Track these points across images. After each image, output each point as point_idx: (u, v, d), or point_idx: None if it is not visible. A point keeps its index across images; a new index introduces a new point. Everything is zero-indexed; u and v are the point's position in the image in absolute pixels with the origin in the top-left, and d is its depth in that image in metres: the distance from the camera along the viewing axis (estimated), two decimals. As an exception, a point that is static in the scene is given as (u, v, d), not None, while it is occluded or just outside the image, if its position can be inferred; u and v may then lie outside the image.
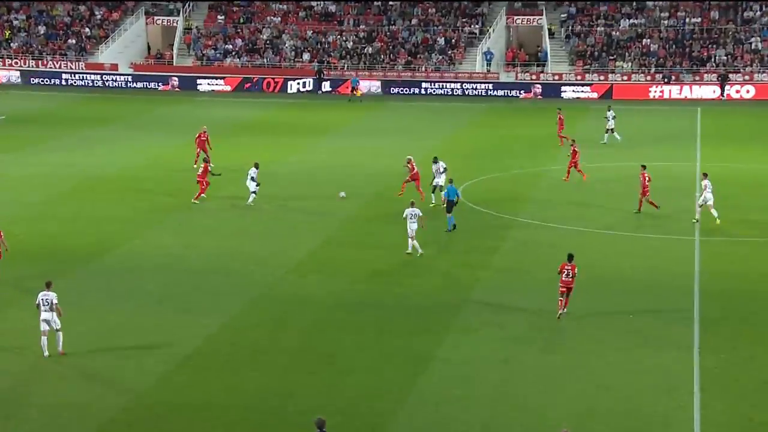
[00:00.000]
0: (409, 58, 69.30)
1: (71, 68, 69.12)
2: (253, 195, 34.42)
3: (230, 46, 71.75)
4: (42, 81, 68.57)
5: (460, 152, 45.52)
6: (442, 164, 34.36)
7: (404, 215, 28.60)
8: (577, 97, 63.82)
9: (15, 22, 73.40)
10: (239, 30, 73.33)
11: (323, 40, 71.76)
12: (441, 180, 33.77)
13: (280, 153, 44.73)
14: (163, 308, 24.22)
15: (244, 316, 23.90)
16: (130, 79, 68.62)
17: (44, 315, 21.27)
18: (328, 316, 23.94)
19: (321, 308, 24.53)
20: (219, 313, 24.00)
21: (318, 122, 54.76)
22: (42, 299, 21.35)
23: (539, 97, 64.35)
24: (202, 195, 34.74)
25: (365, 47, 70.31)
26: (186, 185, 37.93)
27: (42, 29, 72.88)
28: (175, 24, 73.38)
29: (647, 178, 32.77)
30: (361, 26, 72.53)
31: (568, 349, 22.19)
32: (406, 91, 66.40)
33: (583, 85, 64.87)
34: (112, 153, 43.94)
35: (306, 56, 70.43)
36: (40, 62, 69.44)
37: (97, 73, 68.68)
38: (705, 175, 32.32)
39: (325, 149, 46.96)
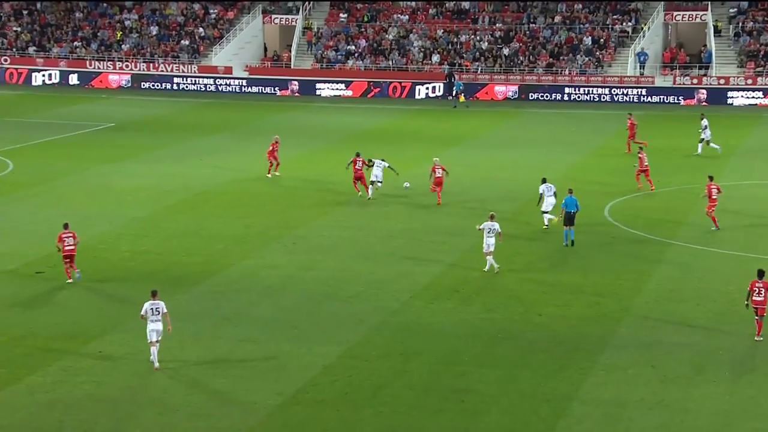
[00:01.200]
0: (551, 60, 68.48)
1: (183, 72, 71.34)
2: (379, 184, 38.05)
3: (353, 47, 72.61)
4: (153, 85, 71.04)
5: (608, 166, 44.60)
6: (551, 186, 33.77)
7: (480, 227, 28.81)
8: (749, 104, 61.61)
9: (127, 23, 76.41)
10: (363, 29, 74.14)
11: (455, 40, 71.74)
12: (549, 203, 33.41)
13: (405, 165, 44.76)
14: (275, 335, 24.45)
15: (364, 346, 23.86)
16: (244, 84, 70.31)
17: (153, 325, 22.04)
18: (458, 348, 23.66)
19: (451, 339, 24.27)
20: (336, 341, 24.05)
21: (448, 131, 54.71)
22: (150, 308, 22.12)
23: (704, 103, 62.42)
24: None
25: (502, 48, 69.90)
26: (302, 199, 38.46)
27: (154, 30, 75.58)
28: (293, 23, 74.82)
29: (716, 191, 33.01)
30: (497, 25, 72.18)
31: (735, 393, 21.20)
32: (546, 96, 65.61)
33: (754, 90, 62.57)
34: (224, 164, 45.00)
35: (435, 58, 70.55)
36: (151, 65, 71.99)
37: (210, 77, 70.67)
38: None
39: (456, 161, 46.73)
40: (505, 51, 69.46)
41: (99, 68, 72.10)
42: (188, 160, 46.01)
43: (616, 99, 64.38)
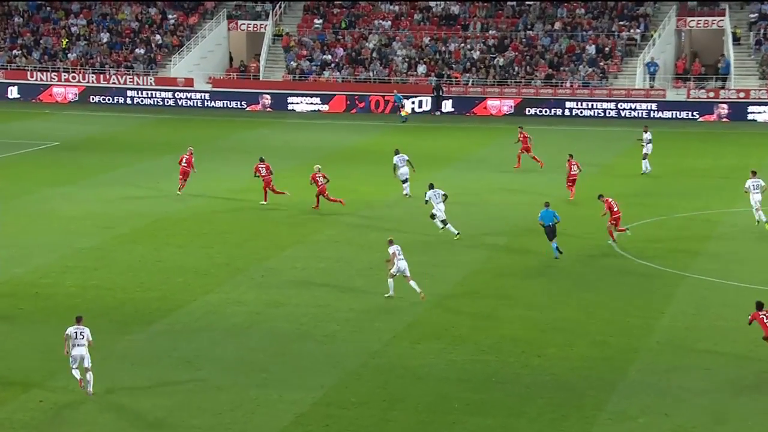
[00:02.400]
0: (551, 71, 68.99)
1: (138, 84, 71.43)
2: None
3: (329, 57, 72.90)
4: (103, 99, 71.12)
5: (615, 189, 44.80)
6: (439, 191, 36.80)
7: (391, 251, 29.86)
8: (771, 121, 62.31)
9: (74, 29, 76.40)
10: (340, 37, 74.49)
11: (443, 48, 72.20)
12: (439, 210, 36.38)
13: (388, 187, 44.90)
14: (241, 380, 24.38)
15: (341, 392, 23.83)
16: (207, 97, 70.48)
17: (78, 350, 23.11)
18: (448, 394, 23.66)
19: (439, 383, 24.27)
20: (311, 387, 24.01)
21: (436, 150, 54.93)
22: (75, 332, 23.17)
23: (725, 119, 62.96)
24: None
25: (495, 58, 70.38)
26: (272, 227, 38.49)
27: (105, 37, 75.61)
28: (262, 29, 75.11)
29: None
30: (490, 32, 72.72)
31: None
32: (545, 111, 66.08)
33: (779, 105, 63.25)
34: (187, 187, 44.94)
35: (421, 69, 70.95)
36: (101, 76, 72.05)
37: (168, 90, 70.80)
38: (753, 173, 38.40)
39: (445, 183, 46.91)
40: (500, 61, 69.92)
41: (42, 80, 72.08)
42: (143, 183, 45.97)
43: (623, 114, 64.94)
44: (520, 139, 48.97)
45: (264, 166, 42.11)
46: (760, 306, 25.39)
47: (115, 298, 30.09)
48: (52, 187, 44.57)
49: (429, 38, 72.94)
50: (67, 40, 75.24)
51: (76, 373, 23.23)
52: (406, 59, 71.72)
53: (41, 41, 75.43)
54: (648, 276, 32.68)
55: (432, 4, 75.51)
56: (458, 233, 36.39)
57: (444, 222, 36.58)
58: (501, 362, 25.55)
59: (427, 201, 36.76)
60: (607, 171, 49.14)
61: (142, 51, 74.15)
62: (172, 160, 49.99)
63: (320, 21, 75.61)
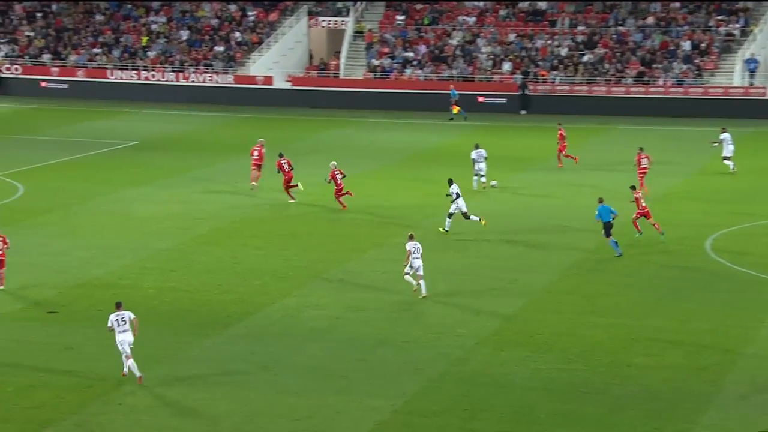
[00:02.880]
0: (643, 68, 68.11)
1: (217, 82, 72.19)
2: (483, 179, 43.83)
3: (411, 54, 72.92)
4: (180, 98, 71.89)
5: (710, 192, 44.09)
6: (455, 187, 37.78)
7: (408, 248, 30.70)
8: None
9: (154, 26, 77.53)
10: (423, 33, 74.47)
11: (529, 45, 71.75)
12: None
13: (472, 190, 44.77)
14: (320, 386, 24.45)
15: (422, 400, 23.76)
16: (287, 96, 70.91)
17: (123, 336, 24.32)
18: (532, 404, 23.46)
19: (523, 393, 24.08)
20: (391, 394, 23.98)
21: (520, 150, 54.57)
22: (116, 319, 24.45)
23: None
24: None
25: (584, 54, 69.70)
26: (353, 228, 38.60)
27: (185, 34, 76.57)
28: (343, 26, 75.42)
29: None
30: (579, 27, 72.08)
31: None
32: (637, 111, 65.20)
33: None
34: (262, 188, 45.33)
35: (506, 66, 70.59)
36: (180, 75, 72.98)
37: (247, 89, 71.42)
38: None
39: (529, 186, 46.63)
40: (588, 58, 69.23)
41: (122, 78, 73.23)
42: (222, 183, 46.42)
43: (720, 114, 63.77)
44: (559, 138, 49.14)
45: (286, 161, 42.51)
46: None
47: (193, 300, 30.41)
48: (130, 188, 45.22)
49: (515, 35, 72.52)
50: (147, 38, 76.33)
51: (132, 363, 24.11)
52: (491, 56, 71.41)
53: (121, 39, 76.65)
54: (745, 283, 32.08)
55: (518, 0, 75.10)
56: (482, 220, 37.51)
57: (466, 215, 37.41)
58: (589, 371, 25.25)
59: (449, 195, 37.57)
60: (698, 175, 48.35)
61: (222, 49, 74.95)
62: (250, 160, 50.34)
63: (403, 17, 75.67)
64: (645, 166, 43.24)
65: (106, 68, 73.94)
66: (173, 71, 73.14)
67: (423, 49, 73.00)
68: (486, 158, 44.31)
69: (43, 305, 29.51)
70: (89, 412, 22.65)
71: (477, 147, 44.74)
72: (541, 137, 58.72)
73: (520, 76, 68.92)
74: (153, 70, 73.34)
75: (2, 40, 76.90)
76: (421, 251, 30.70)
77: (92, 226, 38.62)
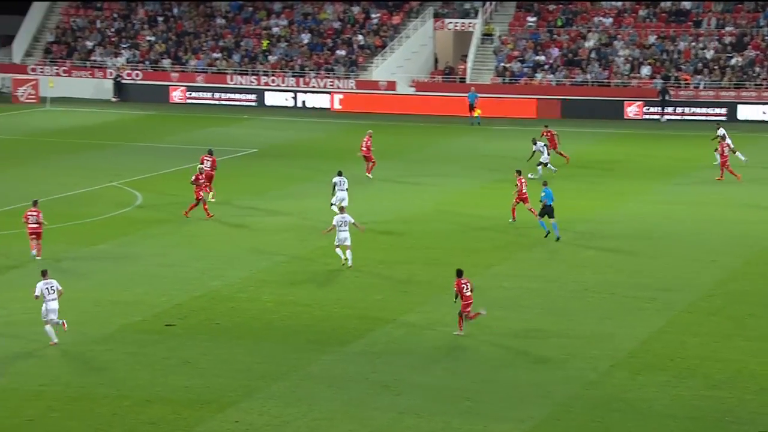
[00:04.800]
0: (794, 71, 66.47)
1: (338, 87, 72.88)
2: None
3: (542, 58, 72.49)
4: (301, 103, 72.81)
5: None
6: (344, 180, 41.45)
7: (333, 223, 34.64)
8: None
9: (275, 30, 78.65)
10: (556, 35, 73.97)
11: (671, 47, 70.67)
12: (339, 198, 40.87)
13: (607, 201, 44.27)
14: (443, 408, 24.44)
15: (551, 426, 23.56)
16: (410, 101, 71.15)
17: (51, 304, 27.26)
18: (670, 434, 23.07)
19: (663, 420, 23.67)
20: (518, 418, 23.83)
21: (661, 160, 53.78)
22: (48, 288, 27.25)
23: None
24: None
25: (732, 57, 68.29)
26: (477, 242, 38.52)
27: (306, 38, 77.49)
28: (471, 28, 75.35)
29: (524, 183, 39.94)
30: (726, 28, 70.67)
31: None
32: (788, 117, 63.69)
33: None
34: (385, 198, 45.57)
35: (645, 70, 69.64)
36: (301, 80, 73.91)
37: (369, 94, 71.89)
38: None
39: (671, 198, 45.91)
40: (737, 61, 67.80)
41: (241, 84, 74.52)
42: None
43: None
44: (546, 136, 51.38)
45: (210, 159, 44.54)
46: (460, 273, 28.81)
47: (312, 315, 30.72)
48: (249, 197, 45.92)
49: (655, 36, 71.51)
50: (267, 41, 77.45)
51: (50, 329, 27.30)
52: (629, 60, 70.53)
53: (242, 43, 77.97)
54: None
55: (660, -1, 74.01)
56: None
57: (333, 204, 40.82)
58: (736, 399, 24.68)
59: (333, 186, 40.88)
60: None
61: (344, 53, 75.60)
62: (374, 170, 50.71)
63: (534, 19, 75.27)
64: (727, 155, 43.68)
65: (226, 73, 75.28)
66: (293, 76, 74.08)
67: (555, 52, 72.49)
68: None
69: (160, 317, 30.17)
70: (205, 429, 23.06)
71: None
72: (683, 146, 57.77)
73: (660, 81, 67.88)
74: (273, 75, 74.41)
75: (124, 46, 78.98)
76: (348, 223, 34.48)
77: (210, 236, 39.34)
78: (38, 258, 35.15)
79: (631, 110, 66.78)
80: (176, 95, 74.39)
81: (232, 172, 51.76)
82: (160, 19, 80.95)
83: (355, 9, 78.77)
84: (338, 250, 34.83)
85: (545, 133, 52.02)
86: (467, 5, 76.71)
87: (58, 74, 76.49)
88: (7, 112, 70.36)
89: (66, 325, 27.70)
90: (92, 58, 78.33)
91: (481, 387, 25.59)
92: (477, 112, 65.53)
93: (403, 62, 74.50)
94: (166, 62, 77.36)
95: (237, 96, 73.71)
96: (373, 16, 78.00)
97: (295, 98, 72.98)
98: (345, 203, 40.06)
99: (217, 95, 73.87)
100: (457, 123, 66.84)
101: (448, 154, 57.01)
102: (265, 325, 29.76)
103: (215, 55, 77.11)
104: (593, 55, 71.52)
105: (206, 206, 41.32)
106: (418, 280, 34.13)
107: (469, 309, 28.70)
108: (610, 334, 29.07)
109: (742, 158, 50.66)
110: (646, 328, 29.35)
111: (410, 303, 31.79)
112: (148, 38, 79.47)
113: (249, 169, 52.41)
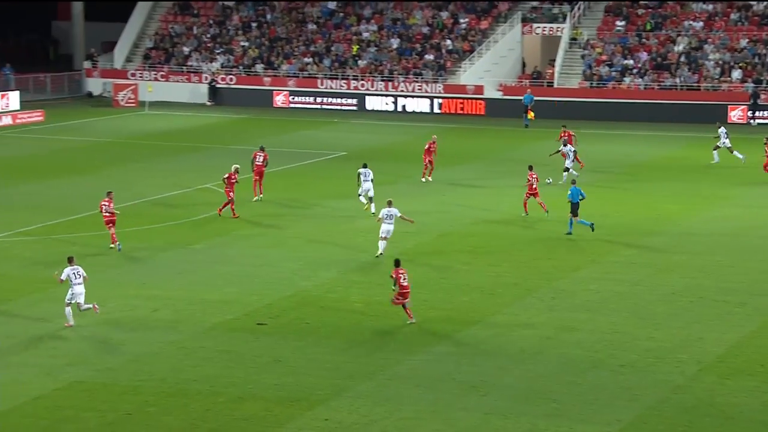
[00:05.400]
0: None
1: (426, 91, 72.90)
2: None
3: (631, 62, 71.71)
4: (403, 108, 72.85)
5: None
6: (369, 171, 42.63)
7: (379, 216, 36.03)
8: None
9: (365, 35, 78.97)
10: (645, 39, 73.13)
11: (764, 51, 69.43)
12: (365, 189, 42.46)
13: (696, 205, 43.68)
14: (529, 409, 24.33)
15: (638, 429, 23.29)
16: (496, 105, 70.90)
17: (78, 288, 28.80)
18: (758, 439, 22.68)
19: (754, 427, 23.28)
20: (604, 421, 23.62)
21: (751, 163, 52.89)
22: (74, 273, 28.81)
23: None
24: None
25: (824, 60, 66.93)
26: (565, 246, 38.25)
27: (395, 42, 77.65)
28: (559, 33, 74.85)
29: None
30: (821, 30, 69.23)
31: None
32: None
33: None
34: (470, 201, 45.48)
35: (736, 74, 68.52)
36: (389, 84, 74.09)
37: (457, 97, 71.82)
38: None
39: (761, 202, 45.20)
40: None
41: (331, 88, 74.95)
42: (427, 196, 46.78)
43: None
44: (564, 137, 50.16)
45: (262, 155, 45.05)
46: (397, 263, 29.86)
47: (399, 315, 30.74)
48: (336, 199, 46.14)
49: (747, 40, 70.29)
50: (357, 46, 77.78)
51: (69, 311, 28.86)
52: (719, 63, 69.44)
53: (332, 48, 78.42)
54: None
55: (752, 2, 72.70)
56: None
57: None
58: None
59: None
60: None
61: (432, 57, 75.61)
62: (459, 172, 50.69)
63: (623, 23, 74.50)
64: None
65: (317, 77, 75.79)
66: (382, 80, 74.30)
67: (644, 56, 71.66)
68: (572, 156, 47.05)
69: (252, 317, 30.47)
70: (295, 426, 23.23)
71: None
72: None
73: (752, 85, 66.73)
74: (362, 80, 74.69)
75: (219, 51, 79.93)
76: (394, 216, 35.82)
77: (301, 238, 39.60)
78: (114, 247, 36.66)
79: (735, 114, 65.89)
80: (279, 99, 75.04)
81: (322, 174, 52.09)
82: (253, 24, 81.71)
83: (444, 14, 78.71)
84: (381, 242, 36.07)
85: (564, 134, 51.19)
86: (555, 10, 76.16)
87: (156, 79, 77.65)
88: (109, 116, 71.64)
89: (98, 309, 29.16)
90: (188, 63, 79.39)
91: (568, 389, 25.40)
92: (530, 115, 65.48)
93: (490, 66, 74.25)
94: (258, 67, 78.08)
95: (338, 100, 74.05)
96: (461, 21, 77.87)
97: (395, 102, 73.11)
98: (371, 194, 42.30)
99: (319, 99, 74.34)
100: (550, 127, 66.43)
101: (535, 157, 56.64)
102: (353, 325, 29.89)
103: (306, 59, 77.62)
104: (683, 59, 70.54)
105: (233, 206, 41.60)
106: (505, 282, 34.00)
107: (407, 299, 29.60)
108: (699, 338, 28.67)
109: (740, 156, 51.80)
110: (735, 333, 28.89)
111: (497, 305, 31.69)
112: (242, 43, 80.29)
113: (338, 172, 52.61)
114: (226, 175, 41.85)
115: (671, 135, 62.99)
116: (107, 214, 36.66)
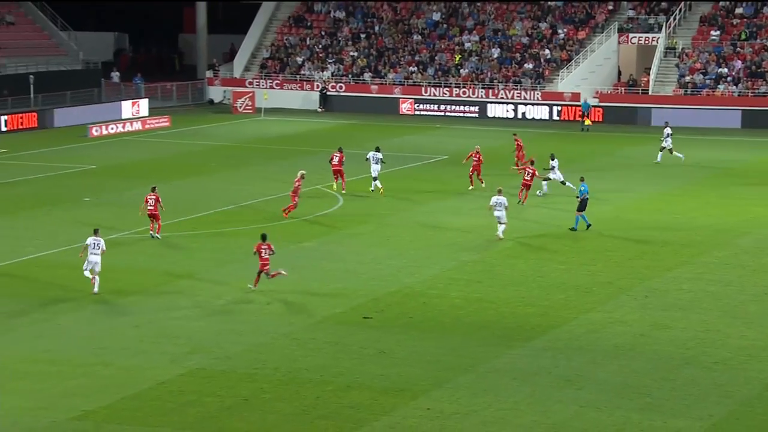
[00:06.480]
0: None
1: (525, 98, 72.47)
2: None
3: (725, 70, 70.29)
4: (522, 115, 72.36)
5: None
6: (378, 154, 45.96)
7: (490, 203, 38.10)
8: None
9: (467, 45, 78.84)
10: (739, 48, 71.60)
11: None
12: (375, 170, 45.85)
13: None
14: (623, 403, 24.01)
15: (731, 424, 22.83)
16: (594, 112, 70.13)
17: (94, 258, 30.94)
18: None
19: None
20: (697, 416, 23.21)
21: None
22: (94, 243, 30.96)
23: None
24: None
25: None
26: (659, 247, 37.67)
27: (495, 52, 77.37)
28: (654, 42, 73.78)
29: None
30: None
31: None
32: None
33: None
34: (564, 203, 44.99)
35: (827, 81, 66.62)
36: (490, 92, 73.80)
37: (554, 104, 71.22)
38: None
39: None
40: None
41: (434, 95, 74.90)
42: (530, 198, 46.40)
43: None
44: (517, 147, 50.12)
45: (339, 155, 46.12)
46: (263, 237, 31.44)
47: (497, 311, 30.63)
48: (439, 200, 46.13)
49: (837, 48, 68.36)
50: (460, 56, 77.75)
51: (88, 274, 30.99)
52: (811, 71, 67.67)
53: (436, 57, 78.46)
54: None
55: None
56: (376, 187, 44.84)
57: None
58: None
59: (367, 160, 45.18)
60: None
61: (531, 66, 75.21)
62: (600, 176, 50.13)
63: (717, 33, 73.07)
64: None
65: (421, 86, 75.85)
66: (483, 88, 74.08)
67: (738, 64, 70.17)
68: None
69: (358, 310, 30.62)
70: (399, 415, 23.27)
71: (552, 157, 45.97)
72: None
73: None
74: (464, 87, 74.56)
75: (330, 60, 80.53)
76: (503, 205, 37.57)
77: (404, 236, 39.67)
78: (157, 236, 37.93)
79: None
80: (405, 107, 75.19)
81: (425, 177, 52.08)
82: (362, 36, 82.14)
83: (543, 25, 78.18)
84: (500, 226, 37.89)
85: (517, 141, 50.88)
86: (651, 20, 75.13)
87: (271, 87, 78.49)
88: (228, 122, 72.66)
89: (97, 285, 31.14)
90: (301, 72, 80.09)
91: (661, 384, 25.02)
92: (587, 121, 65.26)
93: (587, 75, 73.56)
94: (366, 75, 78.45)
95: (461, 108, 73.89)
96: (559, 31, 77.28)
97: (515, 110, 72.75)
98: (374, 174, 45.94)
99: (442, 107, 74.29)
100: (644, 132, 65.50)
101: (630, 161, 55.96)
102: (453, 320, 29.84)
103: (411, 68, 77.75)
104: (776, 66, 68.92)
105: (292, 210, 41.71)
106: (600, 281, 33.61)
107: (267, 268, 31.30)
108: (789, 337, 27.98)
109: (680, 156, 52.69)
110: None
111: (592, 302, 31.34)
112: (351, 54, 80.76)
113: (439, 175, 52.58)
114: (297, 179, 41.93)
115: (763, 141, 61.52)
116: (152, 207, 37.62)
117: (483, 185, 46.99)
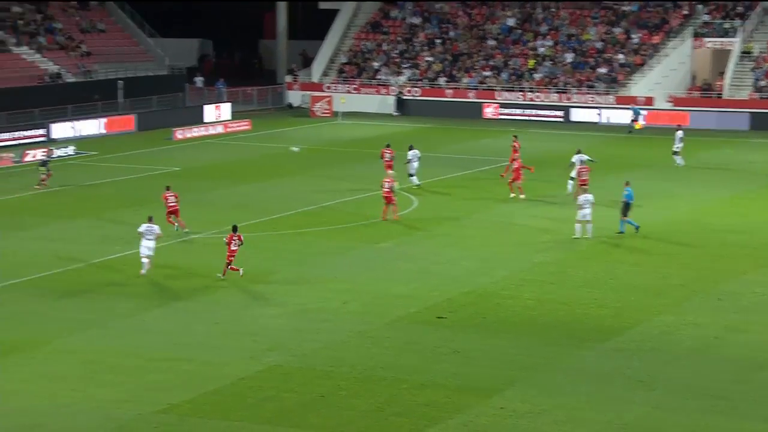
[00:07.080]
0: None
1: (599, 102, 71.68)
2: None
3: (799, 73, 68.86)
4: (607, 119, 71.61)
5: None
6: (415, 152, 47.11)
7: (578, 202, 37.97)
8: None
9: (541, 50, 78.30)
10: (813, 52, 70.04)
11: None
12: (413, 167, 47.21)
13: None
14: (697, 405, 23.58)
15: (802, 428, 22.30)
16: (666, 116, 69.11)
17: (148, 243, 32.79)
18: None
19: None
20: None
21: None
22: (149, 229, 32.86)
23: None
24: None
25: None
26: (732, 249, 37.03)
27: (569, 57, 76.70)
28: (729, 47, 72.50)
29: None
30: None
31: None
32: None
33: None
34: (637, 206, 44.40)
35: None
36: (563, 96, 73.14)
37: (627, 109, 70.31)
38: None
39: None
40: None
41: (508, 99, 74.46)
42: (601, 201, 45.85)
43: None
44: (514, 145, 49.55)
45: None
46: (234, 229, 32.89)
47: (570, 312, 30.30)
48: (512, 202, 45.82)
49: None
50: (534, 61, 77.22)
51: (145, 259, 32.90)
52: None
53: (510, 62, 78.02)
54: None
55: None
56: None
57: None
58: None
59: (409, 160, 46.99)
60: None
61: (604, 70, 74.38)
62: (621, 178, 49.56)
63: (792, 37, 71.61)
64: None
65: (494, 90, 75.47)
66: (556, 92, 73.44)
67: (813, 68, 68.68)
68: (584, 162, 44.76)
69: (433, 310, 30.52)
70: (473, 413, 23.13)
71: (579, 152, 45.80)
72: None
73: None
74: (538, 92, 74.00)
75: (405, 66, 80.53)
76: (590, 202, 37.40)
77: (478, 238, 39.47)
78: (186, 230, 38.71)
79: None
80: (489, 111, 74.85)
81: (496, 179, 51.74)
82: (438, 41, 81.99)
83: (617, 30, 77.29)
84: (577, 225, 37.63)
85: (515, 143, 50.36)
86: (727, 24, 73.82)
87: (348, 91, 78.71)
88: (306, 125, 73.03)
89: (146, 269, 33.02)
90: (378, 76, 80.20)
91: (735, 387, 24.54)
92: (638, 125, 65.01)
93: (661, 79, 72.55)
94: (441, 80, 78.31)
95: (544, 112, 73.34)
96: (633, 36, 76.34)
97: (599, 114, 71.93)
98: (411, 170, 47.22)
99: (527, 111, 73.83)
100: (718, 136, 64.44)
101: (704, 164, 55.08)
102: (526, 320, 29.60)
103: (486, 73, 77.42)
104: None
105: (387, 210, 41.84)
106: (672, 283, 33.09)
107: (231, 258, 32.60)
108: None
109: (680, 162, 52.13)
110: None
111: (664, 305, 30.86)
112: (426, 59, 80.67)
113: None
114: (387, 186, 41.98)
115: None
116: (173, 204, 38.45)
117: (521, 197, 45.88)
